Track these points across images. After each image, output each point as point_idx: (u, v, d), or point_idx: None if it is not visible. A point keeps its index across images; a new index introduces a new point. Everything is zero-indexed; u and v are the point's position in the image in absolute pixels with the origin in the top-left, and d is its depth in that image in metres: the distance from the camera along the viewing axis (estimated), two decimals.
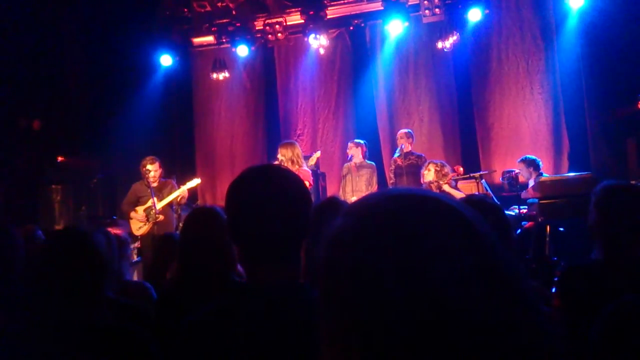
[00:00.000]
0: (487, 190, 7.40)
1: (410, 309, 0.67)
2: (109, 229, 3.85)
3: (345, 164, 8.39)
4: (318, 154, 8.17)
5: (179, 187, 7.51)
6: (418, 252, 0.70)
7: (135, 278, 6.43)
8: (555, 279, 2.59)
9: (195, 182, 7.77)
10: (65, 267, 1.99)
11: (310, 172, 7.49)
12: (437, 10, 8.95)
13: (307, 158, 8.45)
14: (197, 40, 10.60)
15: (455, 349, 0.66)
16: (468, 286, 0.68)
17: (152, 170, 7.31)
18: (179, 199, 7.46)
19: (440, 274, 0.68)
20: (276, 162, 7.06)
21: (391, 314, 0.68)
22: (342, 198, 7.56)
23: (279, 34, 9.76)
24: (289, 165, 7.05)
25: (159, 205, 7.25)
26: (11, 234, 2.56)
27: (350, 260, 0.73)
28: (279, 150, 7.33)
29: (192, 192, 7.89)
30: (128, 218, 7.45)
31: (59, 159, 10.27)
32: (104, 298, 2.09)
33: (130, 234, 7.13)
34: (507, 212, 6.25)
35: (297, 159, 7.19)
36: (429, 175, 7.11)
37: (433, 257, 0.69)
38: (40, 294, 2.02)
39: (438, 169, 7.12)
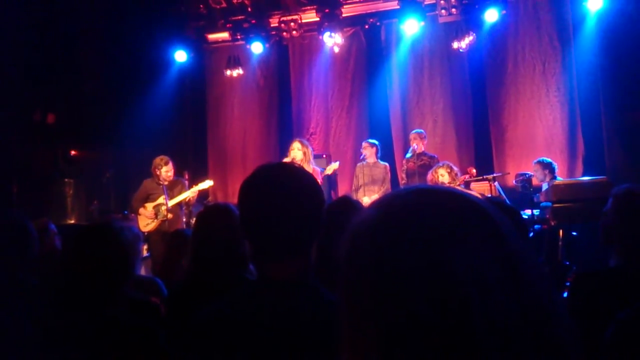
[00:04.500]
0: (500, 193, 7.35)
1: (431, 304, 0.67)
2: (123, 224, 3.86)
3: (359, 164, 8.38)
4: (336, 165, 7.97)
5: (190, 187, 7.53)
6: (442, 247, 0.69)
7: (143, 273, 6.45)
8: (568, 284, 2.57)
9: (207, 183, 7.77)
10: (93, 264, 2.01)
11: (320, 170, 7.50)
12: (453, 10, 8.90)
13: (318, 157, 8.46)
14: (212, 36, 10.62)
15: (475, 347, 0.66)
16: (490, 284, 0.68)
17: (165, 171, 7.34)
18: (187, 200, 7.47)
19: (463, 270, 0.68)
20: (289, 159, 7.08)
21: (412, 309, 0.67)
22: (354, 197, 7.55)
23: (294, 32, 9.76)
24: (303, 162, 7.07)
25: (170, 203, 7.26)
26: (27, 228, 2.57)
27: (373, 252, 0.73)
28: (294, 146, 7.33)
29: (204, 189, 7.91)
30: (137, 214, 7.49)
31: (72, 153, 10.32)
32: (122, 294, 2.10)
33: (139, 229, 7.15)
34: None
35: (310, 157, 7.23)
36: (443, 179, 7.03)
37: (457, 253, 0.69)
38: (64, 288, 2.03)
39: (449, 171, 7.08)
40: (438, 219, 0.72)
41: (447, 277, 0.67)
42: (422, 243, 0.70)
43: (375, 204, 0.80)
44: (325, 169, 7.84)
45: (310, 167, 7.20)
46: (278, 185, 1.45)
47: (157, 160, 7.39)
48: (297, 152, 7.29)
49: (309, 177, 1.52)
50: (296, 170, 1.55)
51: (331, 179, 8.86)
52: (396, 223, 0.73)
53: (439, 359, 0.67)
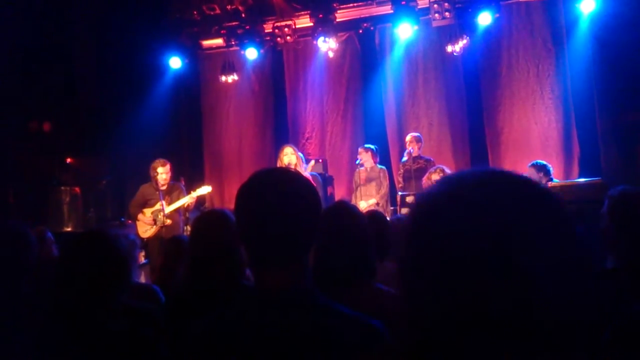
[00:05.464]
0: None
1: (496, 290, 0.66)
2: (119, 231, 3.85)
3: (356, 170, 8.36)
4: (312, 163, 8.12)
5: (187, 192, 7.50)
6: (514, 229, 0.68)
7: (142, 280, 6.44)
8: None
9: (205, 189, 7.74)
10: (89, 272, 2.00)
11: (312, 176, 7.51)
12: (447, 14, 8.92)
13: (308, 162, 8.47)
14: (206, 42, 10.63)
15: (536, 331, 0.66)
16: (557, 266, 0.67)
17: (163, 173, 7.31)
18: (186, 205, 7.45)
19: (533, 253, 0.67)
20: (285, 165, 7.08)
21: (476, 295, 0.66)
22: (352, 202, 7.55)
23: (288, 37, 9.76)
24: (297, 166, 7.08)
25: (168, 209, 7.24)
26: (26, 236, 2.56)
27: (438, 233, 0.72)
28: (286, 151, 7.33)
29: (202, 195, 7.89)
30: (135, 220, 7.45)
31: (68, 160, 10.31)
32: (119, 302, 2.09)
33: (137, 236, 7.13)
34: None
35: (302, 161, 7.25)
36: None
37: (528, 235, 0.68)
38: (60, 297, 2.02)
39: (442, 174, 7.05)
40: (511, 202, 0.71)
41: (520, 258, 0.66)
42: (491, 227, 0.68)
43: (444, 182, 0.78)
44: (320, 174, 7.86)
45: (304, 171, 7.20)
46: (275, 191, 1.45)
47: (154, 163, 7.38)
48: (291, 157, 7.28)
49: (305, 182, 1.52)
50: (293, 175, 1.54)
51: (326, 181, 8.87)
52: (464, 204, 0.72)
53: (497, 346, 0.66)
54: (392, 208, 8.15)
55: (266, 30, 10.07)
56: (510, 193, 0.73)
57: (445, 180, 0.78)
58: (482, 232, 0.68)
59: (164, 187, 7.34)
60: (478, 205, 0.71)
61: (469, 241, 0.68)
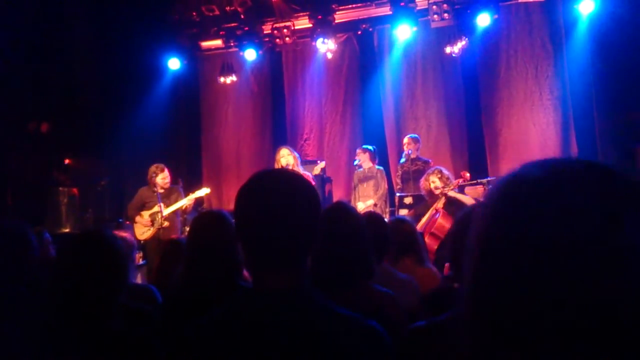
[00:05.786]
0: None
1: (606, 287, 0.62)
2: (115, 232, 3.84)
3: (355, 172, 8.37)
4: (322, 164, 8.15)
5: (185, 194, 7.49)
6: (618, 223, 0.64)
7: (139, 281, 6.43)
8: None
9: (203, 191, 7.74)
10: (86, 273, 1.99)
11: (311, 176, 7.51)
12: (445, 15, 8.93)
13: (311, 163, 8.47)
14: (205, 44, 10.64)
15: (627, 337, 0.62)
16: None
17: (162, 178, 7.32)
18: (184, 207, 7.44)
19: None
20: (283, 165, 7.09)
21: (586, 290, 0.63)
22: (352, 203, 7.55)
23: (287, 38, 9.77)
24: (294, 167, 7.08)
25: (166, 212, 7.23)
26: (26, 237, 2.55)
27: (537, 218, 0.67)
28: (283, 152, 7.33)
29: (200, 197, 7.89)
30: (133, 222, 7.45)
31: (67, 161, 10.29)
32: (117, 304, 2.09)
33: (134, 237, 7.12)
34: None
35: (298, 162, 7.25)
36: (435, 184, 6.91)
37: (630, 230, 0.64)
38: (57, 299, 2.01)
39: (439, 176, 6.99)
40: (615, 192, 0.67)
41: (622, 258, 0.63)
42: (596, 214, 0.64)
43: (540, 165, 0.73)
44: (317, 175, 7.87)
45: (301, 171, 7.21)
46: (275, 192, 1.43)
47: (153, 168, 7.37)
48: (289, 158, 7.28)
49: (306, 184, 1.50)
50: (293, 177, 1.52)
51: (324, 182, 8.87)
52: (567, 189, 0.67)
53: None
54: (390, 209, 8.15)
55: (265, 32, 10.09)
56: (611, 179, 0.69)
57: (543, 162, 0.74)
58: (590, 215, 0.65)
59: (163, 190, 7.35)
60: (584, 190, 0.67)
61: (577, 225, 0.64)
